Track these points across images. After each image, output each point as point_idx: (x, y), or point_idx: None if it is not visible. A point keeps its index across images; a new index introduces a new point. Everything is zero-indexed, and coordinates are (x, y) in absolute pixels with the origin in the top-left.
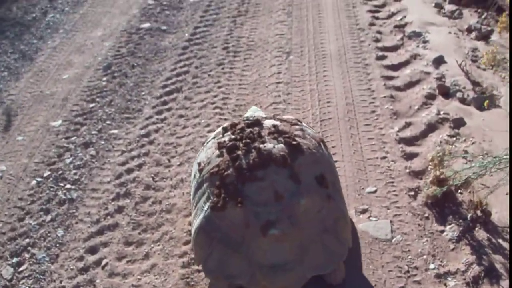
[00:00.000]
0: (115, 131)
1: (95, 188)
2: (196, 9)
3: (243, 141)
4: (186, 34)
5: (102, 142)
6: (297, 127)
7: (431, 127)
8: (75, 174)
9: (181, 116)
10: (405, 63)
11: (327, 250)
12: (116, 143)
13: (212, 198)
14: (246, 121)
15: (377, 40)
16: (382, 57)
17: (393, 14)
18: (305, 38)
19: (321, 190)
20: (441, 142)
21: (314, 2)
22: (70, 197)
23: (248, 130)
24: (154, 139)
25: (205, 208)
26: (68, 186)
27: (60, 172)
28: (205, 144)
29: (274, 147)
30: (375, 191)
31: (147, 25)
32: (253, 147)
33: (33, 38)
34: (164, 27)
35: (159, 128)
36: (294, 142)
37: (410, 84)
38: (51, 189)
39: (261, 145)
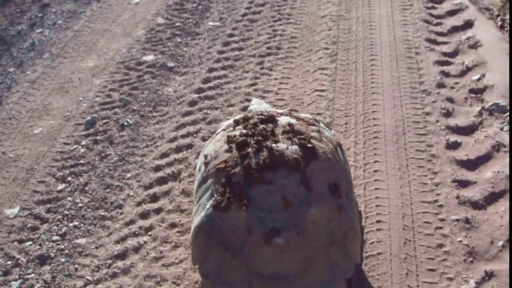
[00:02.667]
0: (82, 241)
1: None
2: (214, 39)
3: (255, 138)
4: (197, 80)
5: (62, 260)
6: (314, 127)
7: None
8: None
9: (173, 225)
10: (485, 159)
11: (332, 265)
12: (80, 263)
13: (215, 196)
14: (260, 116)
15: (447, 114)
16: (454, 145)
17: (468, 69)
18: (352, 101)
19: (333, 199)
20: None
21: (366, 42)
22: None
23: (261, 126)
24: (132, 266)
25: (207, 206)
26: None
27: None
28: (213, 135)
29: (287, 148)
30: None
31: (150, 57)
32: (265, 146)
33: (12, 63)
34: (171, 64)
35: (140, 245)
36: (309, 145)
37: (493, 198)
38: None
39: (274, 145)
